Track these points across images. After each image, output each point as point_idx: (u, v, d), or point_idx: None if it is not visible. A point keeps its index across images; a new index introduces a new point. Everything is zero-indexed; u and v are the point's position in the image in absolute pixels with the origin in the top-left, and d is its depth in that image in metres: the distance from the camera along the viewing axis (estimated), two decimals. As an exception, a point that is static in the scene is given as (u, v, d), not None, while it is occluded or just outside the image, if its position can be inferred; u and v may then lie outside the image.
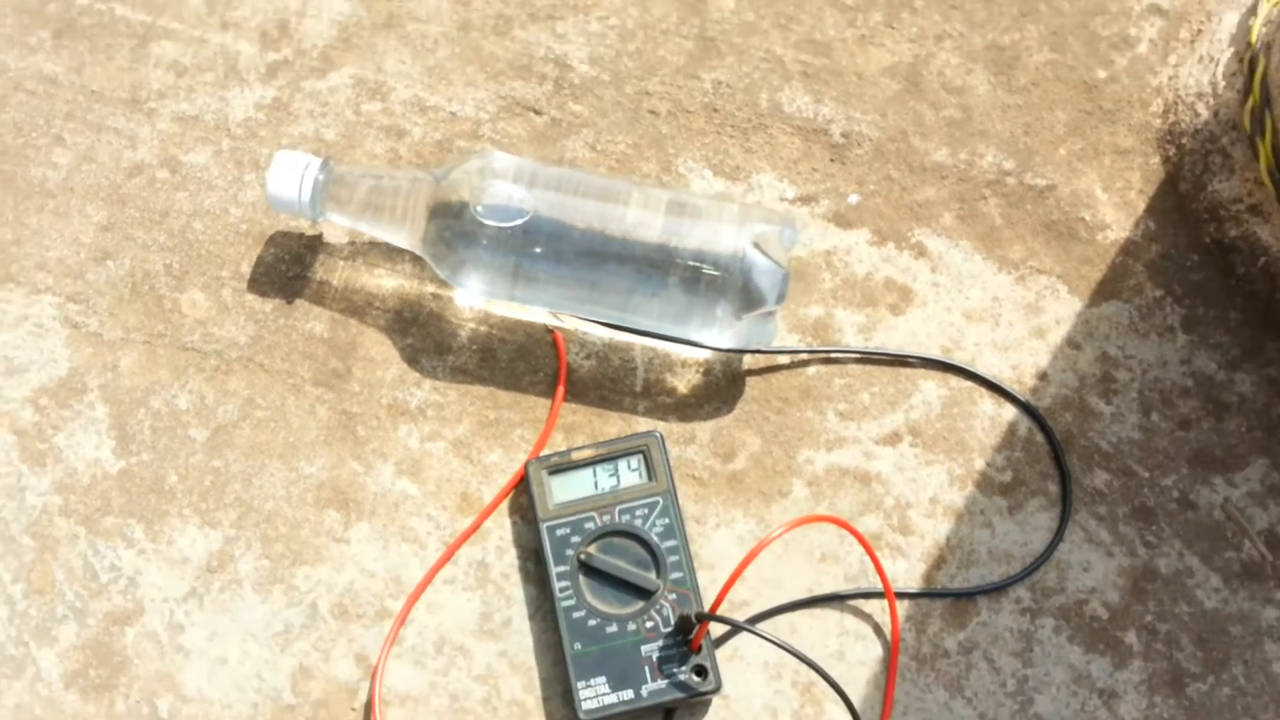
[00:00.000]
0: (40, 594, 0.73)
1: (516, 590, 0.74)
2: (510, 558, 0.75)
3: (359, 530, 0.75)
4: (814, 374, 0.79)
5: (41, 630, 0.72)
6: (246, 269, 0.80)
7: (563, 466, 0.74)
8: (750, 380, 0.79)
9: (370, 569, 0.74)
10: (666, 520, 0.73)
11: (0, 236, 0.81)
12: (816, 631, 0.73)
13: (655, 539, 0.72)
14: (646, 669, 0.70)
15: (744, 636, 0.73)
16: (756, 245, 0.73)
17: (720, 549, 0.75)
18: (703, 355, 0.79)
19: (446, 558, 0.74)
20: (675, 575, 0.72)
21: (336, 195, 0.76)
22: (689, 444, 0.77)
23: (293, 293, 0.80)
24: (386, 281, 0.80)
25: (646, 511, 0.73)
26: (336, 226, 0.81)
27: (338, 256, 0.81)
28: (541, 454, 0.75)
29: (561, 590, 0.71)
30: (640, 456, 0.74)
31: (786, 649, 0.68)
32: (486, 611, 0.73)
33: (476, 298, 0.79)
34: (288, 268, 0.80)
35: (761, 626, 0.73)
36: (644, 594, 0.71)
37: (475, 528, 0.75)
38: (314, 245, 0.81)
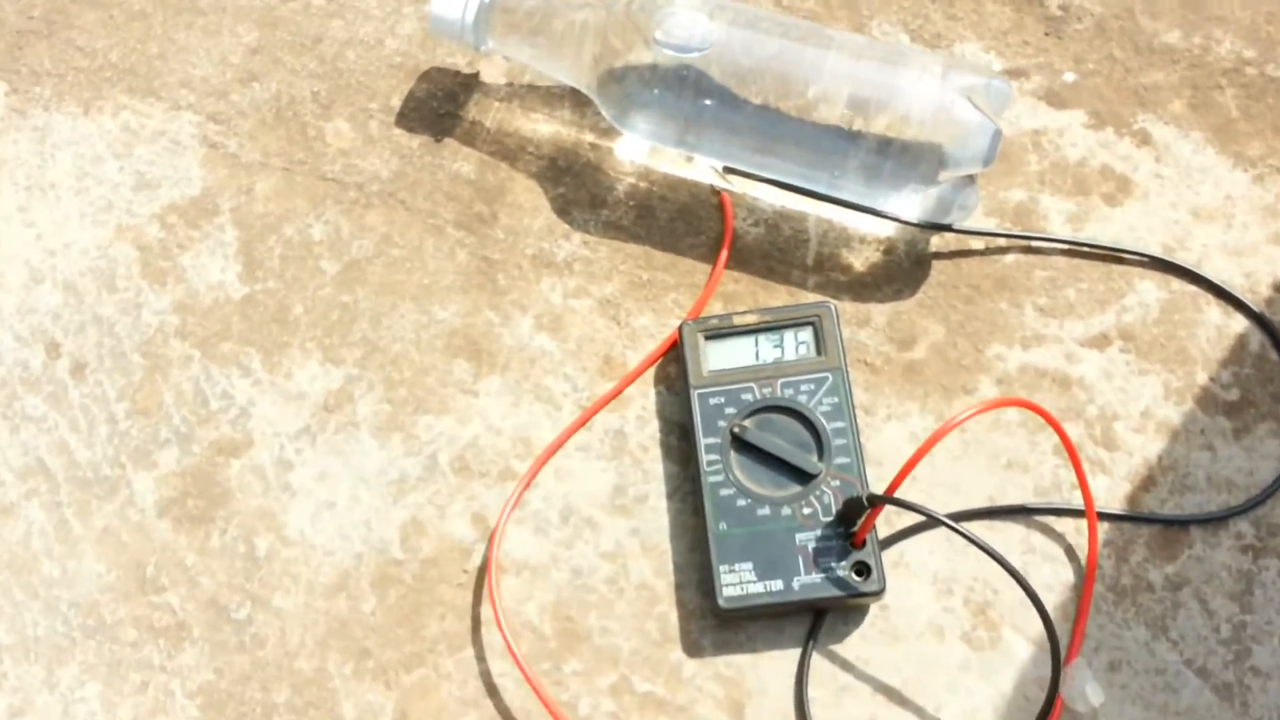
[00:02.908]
0: (145, 415, 0.66)
1: (656, 466, 0.65)
2: (651, 430, 0.66)
3: (489, 384, 0.67)
4: (1012, 262, 0.68)
5: (141, 452, 0.66)
6: (397, 103, 0.73)
7: (722, 331, 0.65)
8: (937, 264, 0.69)
9: (498, 425, 0.66)
10: (835, 399, 0.63)
11: (146, 50, 0.75)
12: (997, 544, 0.62)
13: (820, 419, 0.62)
14: (800, 559, 0.60)
15: (911, 543, 0.63)
16: (965, 97, 0.63)
17: (890, 443, 0.65)
18: (885, 231, 0.69)
19: (582, 422, 0.65)
20: (840, 460, 0.62)
21: (502, 18, 0.68)
22: (863, 326, 0.67)
23: (442, 131, 0.72)
24: (543, 127, 0.72)
25: (813, 388, 0.63)
26: (495, 65, 0.74)
27: (493, 97, 0.73)
28: (698, 317, 0.66)
29: (710, 465, 0.62)
30: (810, 328, 0.64)
31: (986, 550, 0.57)
32: (621, 484, 0.64)
33: (640, 148, 0.71)
34: (439, 104, 0.73)
35: (930, 536, 0.63)
36: (804, 477, 0.61)
37: (616, 393, 0.66)
38: (469, 84, 0.73)
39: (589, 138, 0.72)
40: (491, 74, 0.73)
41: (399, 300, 0.69)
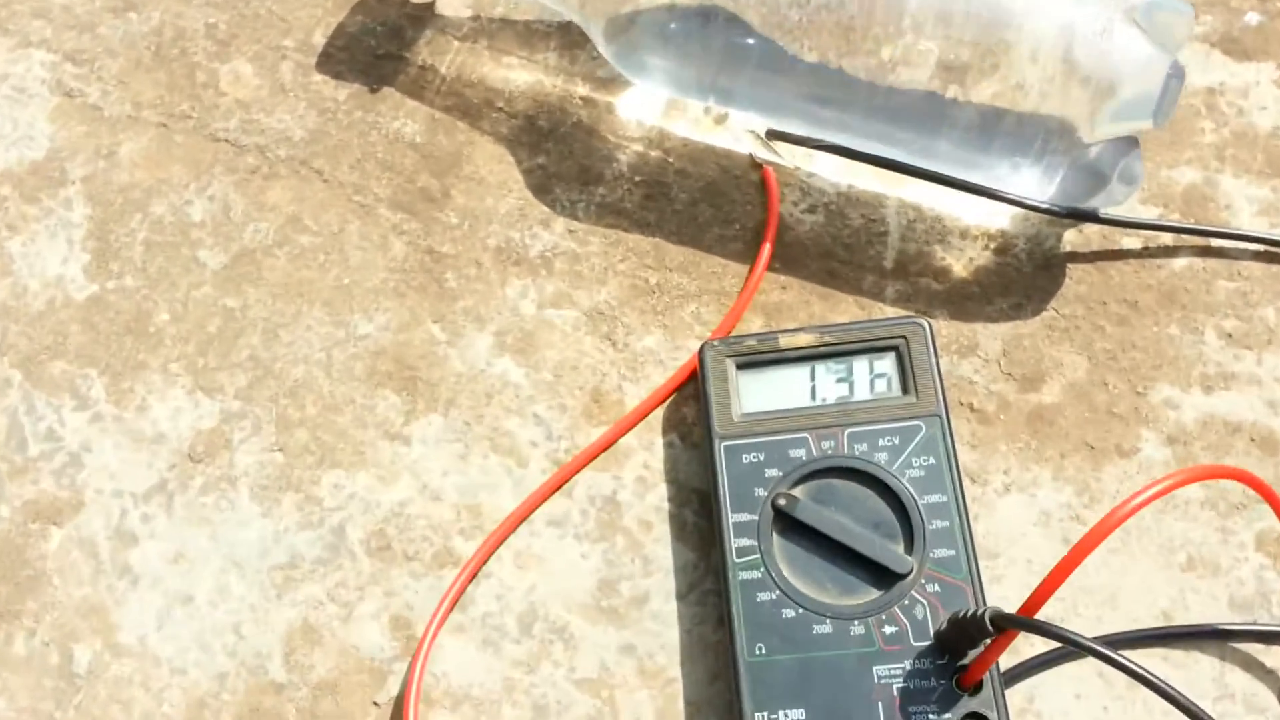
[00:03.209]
0: (-65, 461, 0.47)
1: (663, 552, 0.44)
2: (657, 496, 0.45)
3: (427, 426, 0.47)
4: (1184, 269, 0.48)
5: (-76, 515, 0.46)
6: (320, 40, 0.54)
7: (762, 357, 0.45)
8: (1075, 269, 0.48)
9: (436, 487, 0.46)
10: (930, 460, 0.42)
11: (-6, -30, 0.57)
12: (1178, 683, 0.41)
13: (909, 488, 0.42)
14: (880, 706, 0.39)
15: (1046, 680, 0.42)
16: (1130, 19, 0.43)
17: (1010, 525, 0.44)
18: (998, 222, 0.49)
19: (558, 484, 0.45)
20: (940, 553, 0.41)
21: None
22: (966, 356, 0.47)
23: (380, 78, 0.53)
24: (519, 74, 0.53)
25: (896, 442, 0.43)
26: (458, -7, 0.54)
27: (453, 34, 0.54)
28: (728, 336, 0.46)
29: (741, 554, 0.42)
30: (893, 355, 0.44)
31: (1162, 691, 0.36)
32: (610, 578, 0.44)
33: (653, 104, 0.51)
34: (378, 43, 0.54)
35: (1076, 669, 0.42)
36: (884, 578, 0.41)
37: (608, 443, 0.46)
38: (420, 17, 0.54)
39: (582, 90, 0.52)
40: (451, 3, 0.54)
41: (306, 306, 0.49)
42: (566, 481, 0.46)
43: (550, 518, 0.45)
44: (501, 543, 0.45)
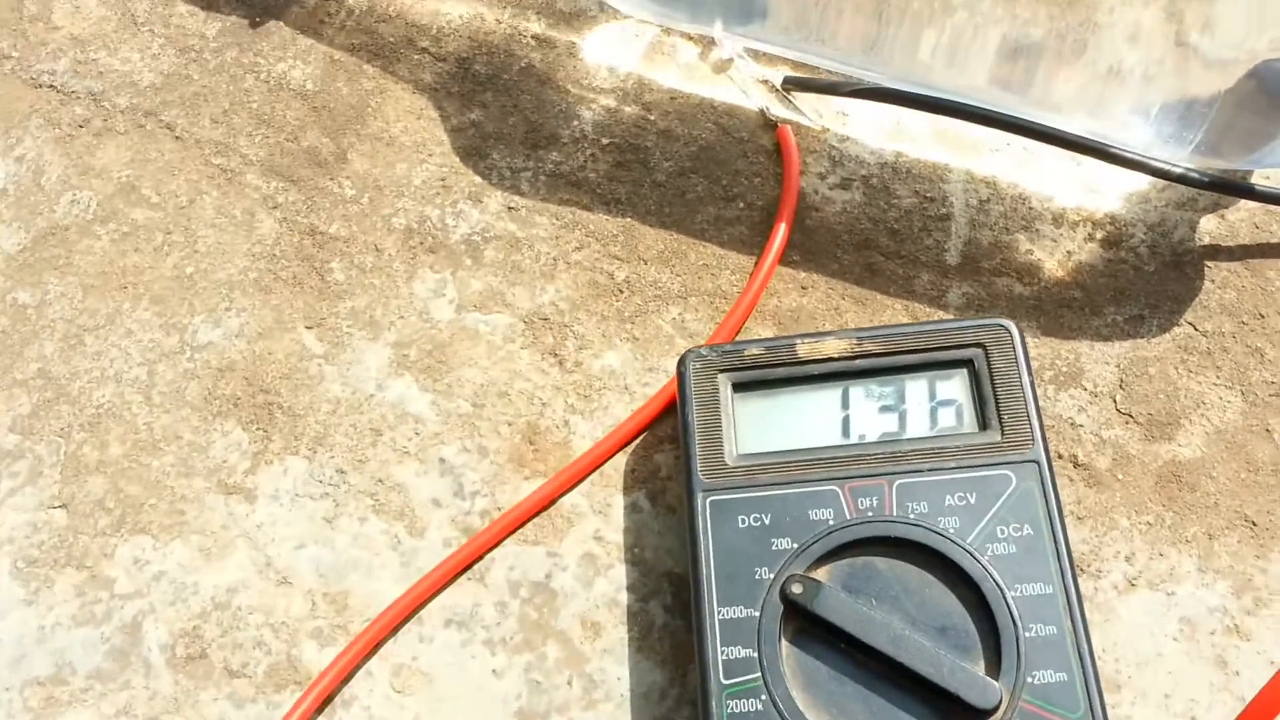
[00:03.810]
0: None
1: (615, 666, 0.30)
2: (612, 583, 0.31)
3: (281, 475, 0.33)
4: (1378, 268, 0.34)
5: None
6: (191, -37, 0.42)
7: (771, 373, 0.30)
8: (1217, 267, 0.34)
9: (284, 564, 0.32)
10: (1025, 530, 0.28)
11: None
12: None
13: (992, 575, 0.27)
14: None
15: None
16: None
17: (1133, 639, 0.30)
18: (1104, 201, 0.35)
19: (465, 564, 0.31)
20: (1044, 676, 0.26)
21: None
22: (1065, 387, 0.33)
23: (266, 10, 0.40)
24: (452, 7, 0.40)
25: (972, 501, 0.28)
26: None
27: (367, -42, 0.41)
28: (723, 343, 0.32)
29: (732, 672, 0.27)
30: (965, 373, 0.30)
31: None
32: (535, 709, 0.30)
33: (627, 45, 0.38)
34: (268, -32, 0.41)
35: None
36: (955, 714, 0.26)
37: (545, 503, 0.32)
38: (328, -63, 0.42)
39: (535, 26, 0.40)
40: (368, -78, 0.42)
41: (128, 304, 0.36)
42: (479, 559, 0.31)
43: (451, 614, 0.31)
44: (372, 651, 0.30)
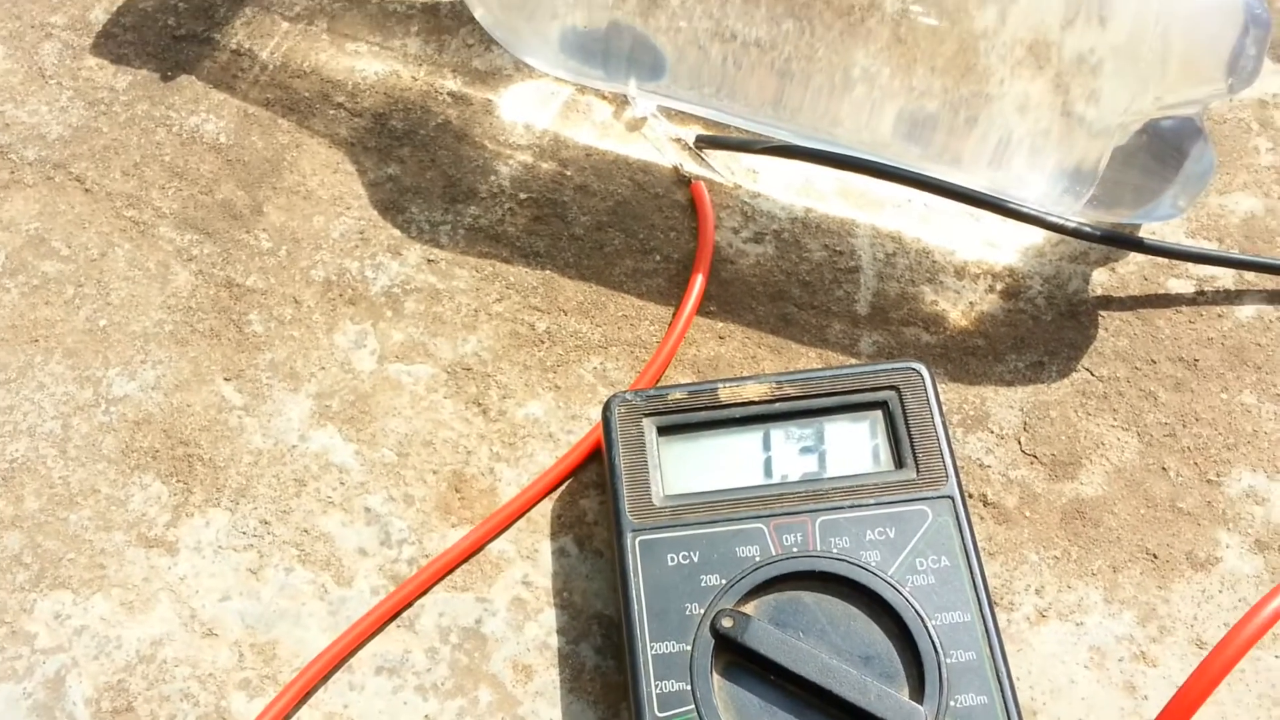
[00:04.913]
0: None
1: (548, 708, 0.31)
2: (542, 627, 0.32)
3: (203, 527, 0.34)
4: (1251, 318, 0.38)
5: None
6: (100, 17, 0.43)
7: (694, 416, 0.33)
8: (1110, 316, 0.38)
9: (210, 616, 0.32)
10: (942, 561, 0.30)
11: None
12: None
13: (913, 604, 0.30)
14: None
15: None
16: (1181, -37, 0.34)
17: (1047, 668, 0.32)
18: (1000, 255, 0.39)
19: (394, 611, 0.32)
20: (966, 700, 0.29)
21: None
22: (973, 429, 0.36)
23: (179, 64, 0.42)
24: (367, 64, 0.42)
25: (891, 535, 0.31)
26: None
27: (280, 13, 0.43)
28: (647, 388, 0.34)
29: (665, 704, 0.29)
30: (880, 414, 0.33)
31: None
32: (469, 751, 0.31)
33: (545, 103, 0.40)
34: (180, 22, 0.43)
35: None
36: (880, 738, 0.28)
37: (473, 550, 0.33)
38: (240, -7, 0.43)
39: (451, 83, 0.42)
40: (282, -21, 0.44)
41: (40, 356, 0.36)
42: (408, 606, 0.33)
43: (382, 661, 0.32)
44: (303, 700, 0.31)
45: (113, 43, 0.42)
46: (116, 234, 0.38)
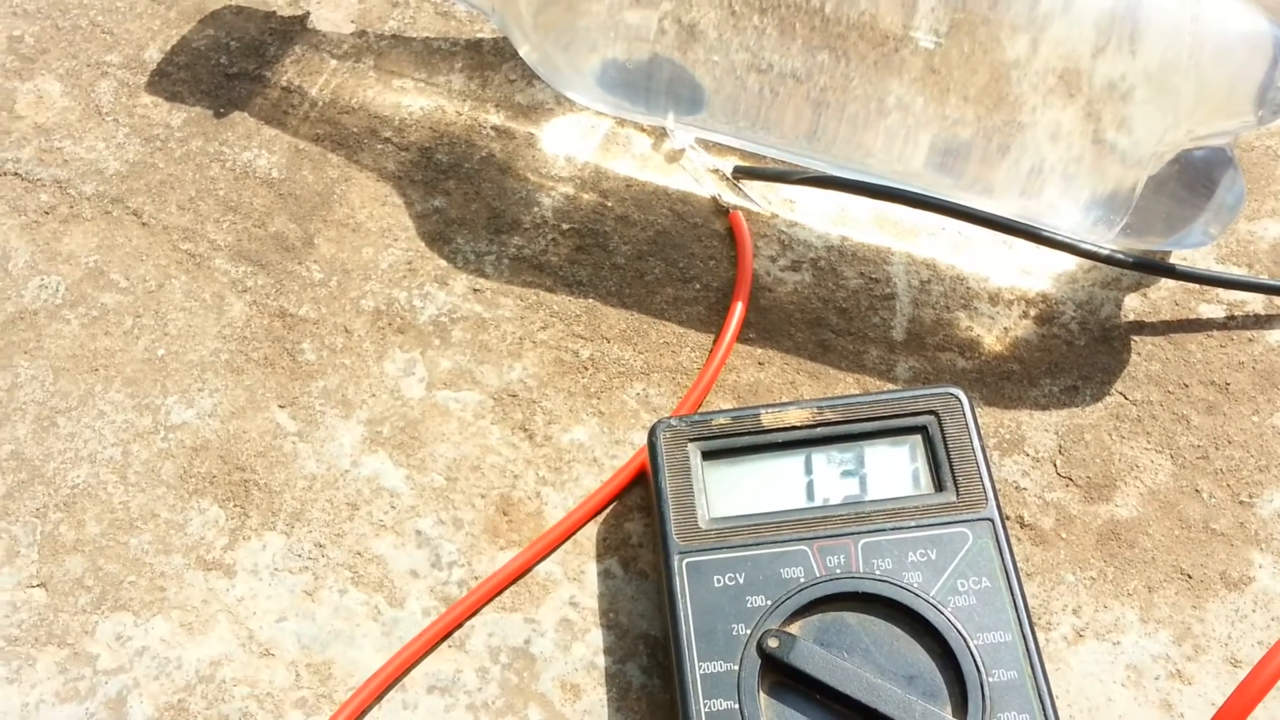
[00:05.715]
0: None
1: (597, 727, 0.32)
2: (589, 647, 0.33)
3: (260, 550, 0.35)
4: (1285, 340, 0.39)
5: None
6: (155, 56, 0.44)
7: (738, 441, 0.33)
8: (1143, 341, 0.39)
9: (267, 637, 0.33)
10: (983, 582, 0.31)
11: None
12: None
13: (955, 625, 0.31)
14: None
15: None
16: (1211, -4, 0.35)
17: (1084, 687, 0.33)
18: (1034, 282, 0.39)
19: (445, 632, 0.33)
20: (1006, 715, 0.30)
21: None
22: (1009, 453, 0.37)
23: (231, 101, 0.43)
24: (413, 100, 0.43)
25: (933, 557, 0.31)
26: (337, 4, 0.45)
27: (329, 51, 0.44)
28: (691, 414, 0.35)
29: (712, 723, 0.30)
30: (920, 438, 0.34)
31: None
32: (520, 768, 0.32)
33: (583, 136, 0.42)
34: (232, 61, 0.44)
35: None
36: (924, 755, 0.29)
37: (521, 572, 0.34)
38: (288, 31, 0.45)
39: (494, 118, 0.43)
40: (331, 17, 0.45)
41: (100, 386, 0.37)
42: (459, 627, 0.34)
43: (434, 680, 0.33)
44: (359, 717, 0.32)
45: (167, 81, 0.43)
46: (173, 266, 0.40)
